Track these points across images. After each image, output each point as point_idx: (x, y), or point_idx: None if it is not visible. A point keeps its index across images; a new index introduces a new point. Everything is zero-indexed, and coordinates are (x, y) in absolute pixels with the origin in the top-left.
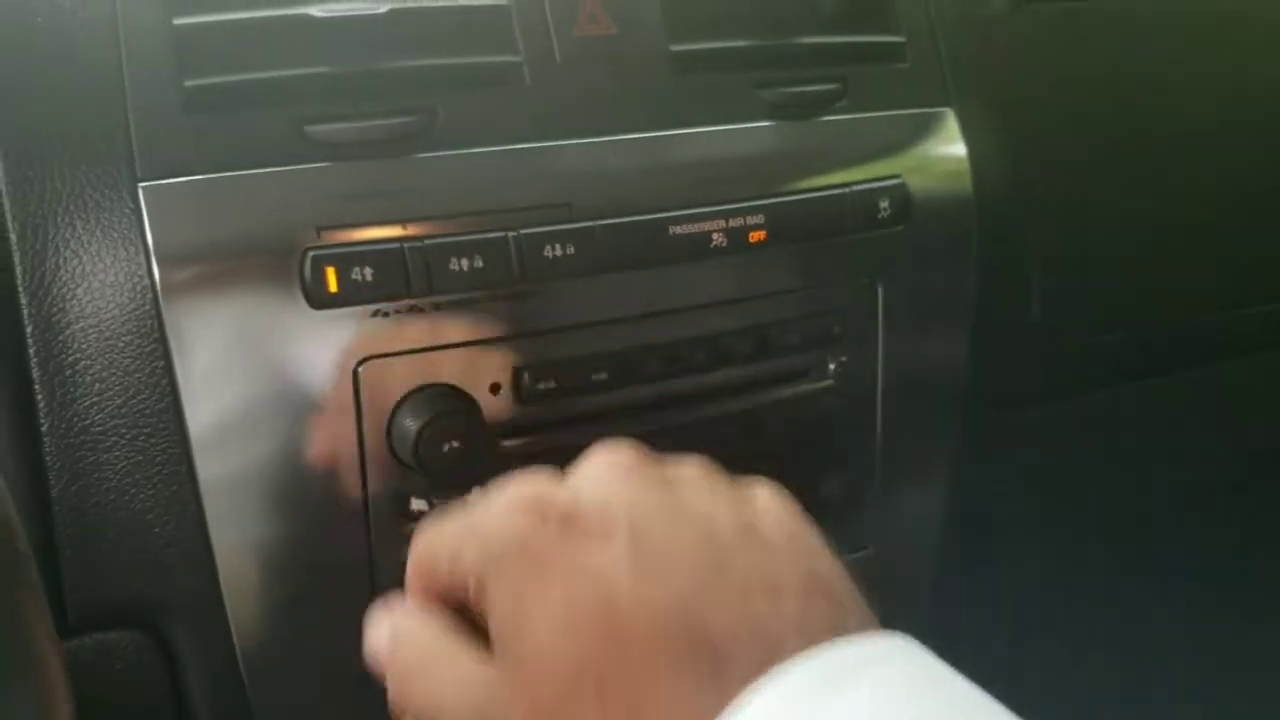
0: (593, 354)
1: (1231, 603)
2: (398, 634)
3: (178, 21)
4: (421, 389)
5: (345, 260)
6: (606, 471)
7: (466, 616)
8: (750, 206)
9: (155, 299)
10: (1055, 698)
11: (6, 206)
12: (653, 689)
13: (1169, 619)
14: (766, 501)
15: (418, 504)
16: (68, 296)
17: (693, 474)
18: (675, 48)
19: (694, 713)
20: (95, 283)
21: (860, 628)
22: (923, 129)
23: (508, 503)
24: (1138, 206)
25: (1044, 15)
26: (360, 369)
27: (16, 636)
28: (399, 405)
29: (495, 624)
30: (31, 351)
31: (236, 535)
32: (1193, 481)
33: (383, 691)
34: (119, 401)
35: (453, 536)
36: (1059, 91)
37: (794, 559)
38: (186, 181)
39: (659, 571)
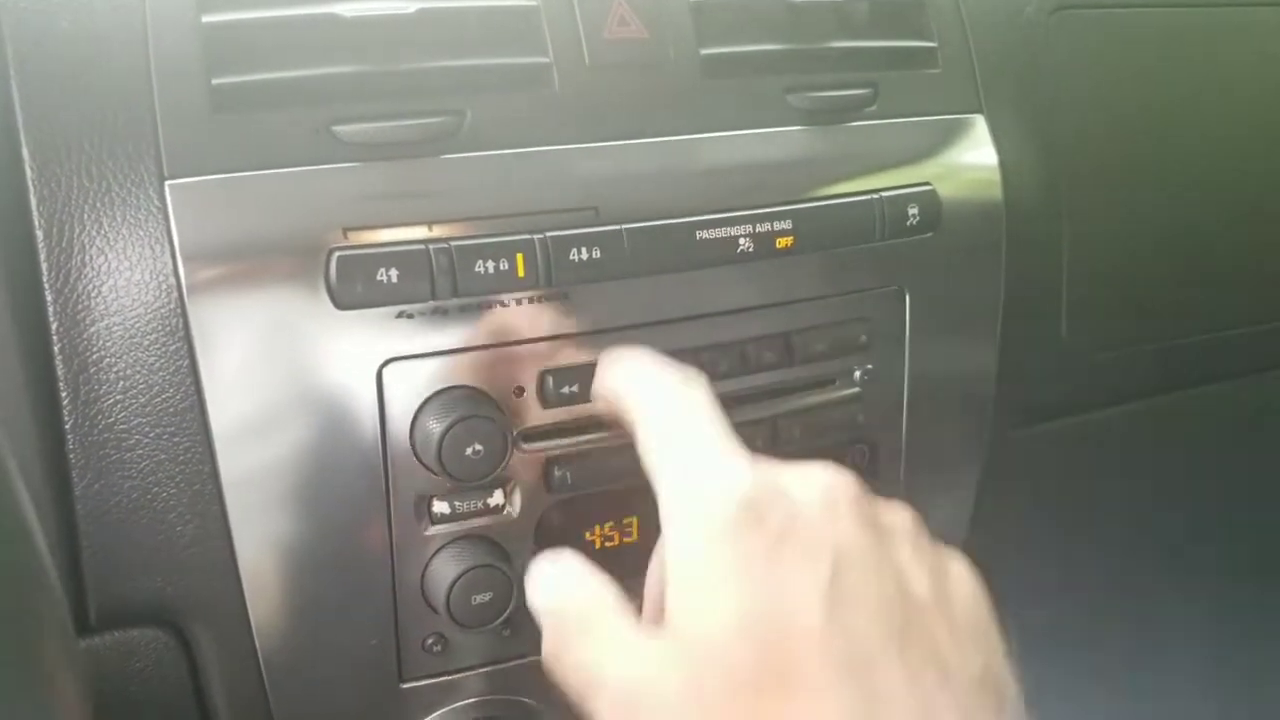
0: None
1: (1255, 617)
2: (559, 587)
3: (206, 20)
4: (445, 391)
5: (371, 261)
6: (827, 497)
7: None
8: (778, 212)
9: (180, 297)
10: (1074, 708)
11: (33, 203)
12: (808, 713)
13: (1191, 633)
14: (962, 575)
15: (440, 506)
16: (93, 294)
17: (903, 524)
18: (705, 51)
19: None
20: (121, 280)
21: None
22: (954, 136)
23: (736, 485)
24: (1169, 218)
25: (1078, 22)
26: (384, 370)
27: (29, 638)
28: (422, 407)
29: (675, 592)
30: (56, 348)
31: (258, 534)
32: (1218, 496)
33: (400, 691)
34: (143, 399)
35: (687, 432)
36: (1092, 100)
37: (975, 646)
38: (213, 180)
39: (848, 614)
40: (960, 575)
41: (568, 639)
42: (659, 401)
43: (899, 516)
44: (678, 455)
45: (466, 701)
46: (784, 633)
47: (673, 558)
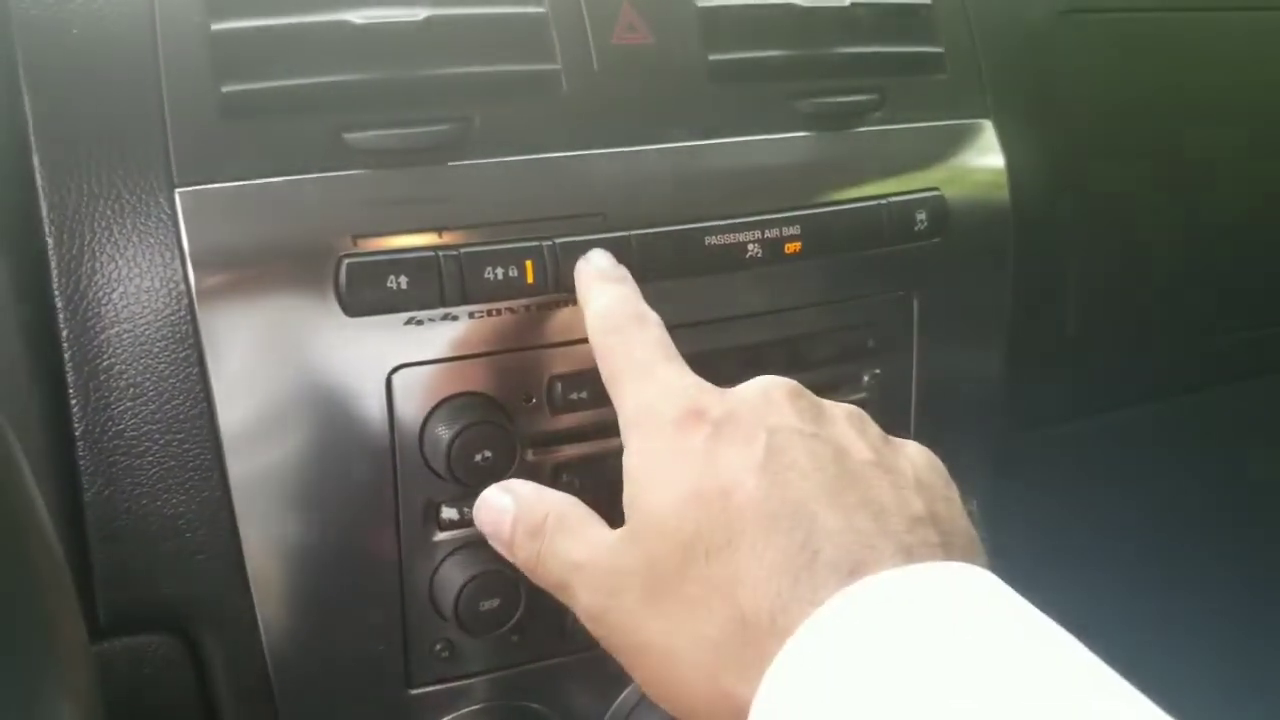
0: None
1: (1260, 620)
2: (529, 501)
3: (216, 27)
4: (454, 398)
5: (380, 268)
6: (763, 394)
7: None
8: (786, 217)
9: (190, 304)
10: None
11: (44, 210)
12: (750, 563)
13: (1198, 635)
14: (913, 451)
15: (449, 513)
16: (103, 301)
17: (846, 414)
18: (713, 57)
19: (779, 596)
20: (131, 287)
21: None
22: (961, 141)
23: (677, 394)
24: (1176, 223)
25: (1086, 27)
26: (393, 377)
27: (49, 641)
28: (431, 414)
29: (628, 486)
30: (66, 355)
31: (267, 541)
32: (1224, 499)
33: (408, 697)
34: (153, 406)
35: (632, 364)
36: (1100, 105)
37: (919, 496)
38: (223, 187)
39: (784, 477)
40: (913, 449)
41: (550, 542)
42: (620, 345)
43: (842, 407)
44: (634, 383)
45: (475, 707)
46: (724, 501)
47: (628, 463)
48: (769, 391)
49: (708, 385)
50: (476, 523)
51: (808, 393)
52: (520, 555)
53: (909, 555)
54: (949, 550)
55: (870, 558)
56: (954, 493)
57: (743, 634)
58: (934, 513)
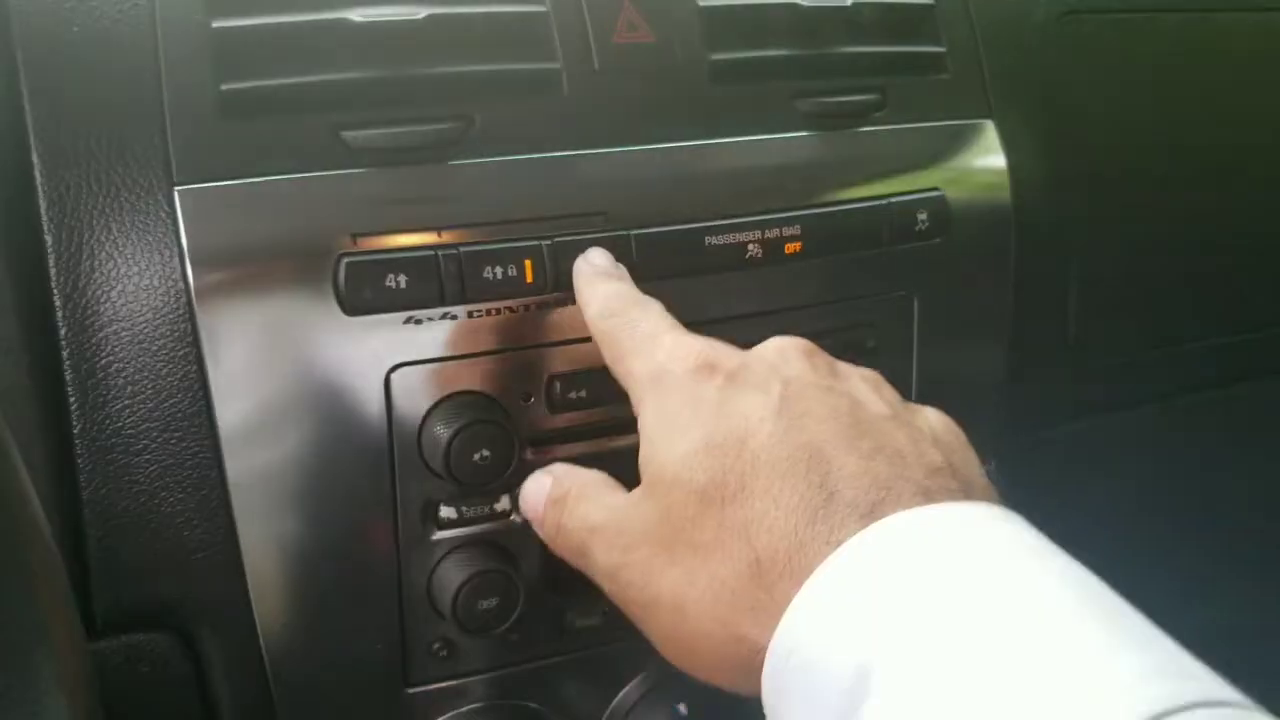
0: None
1: (1264, 622)
2: (560, 476)
3: (216, 25)
4: (452, 397)
5: (379, 267)
6: (780, 346)
7: None
8: (787, 217)
9: (189, 303)
10: None
11: (43, 208)
12: (766, 506)
13: (1203, 637)
14: (930, 413)
15: (447, 511)
16: (101, 299)
17: (864, 374)
18: (714, 56)
19: (796, 536)
20: (130, 285)
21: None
22: (963, 141)
23: (687, 352)
24: (1178, 222)
25: (1087, 27)
26: (392, 376)
27: (46, 640)
28: (430, 413)
29: (643, 447)
30: (64, 353)
31: (265, 539)
32: (1227, 500)
33: (406, 696)
34: (151, 404)
35: (636, 355)
36: (1102, 105)
37: (936, 446)
38: (222, 186)
39: (800, 423)
40: (930, 411)
41: (569, 510)
42: (623, 325)
43: (858, 369)
44: (643, 354)
45: (473, 706)
46: (739, 448)
47: (643, 423)
48: (784, 348)
49: (719, 342)
50: (522, 507)
51: (823, 352)
52: (545, 527)
53: (928, 497)
54: (969, 495)
55: (889, 498)
56: (971, 453)
57: (759, 576)
58: (952, 464)
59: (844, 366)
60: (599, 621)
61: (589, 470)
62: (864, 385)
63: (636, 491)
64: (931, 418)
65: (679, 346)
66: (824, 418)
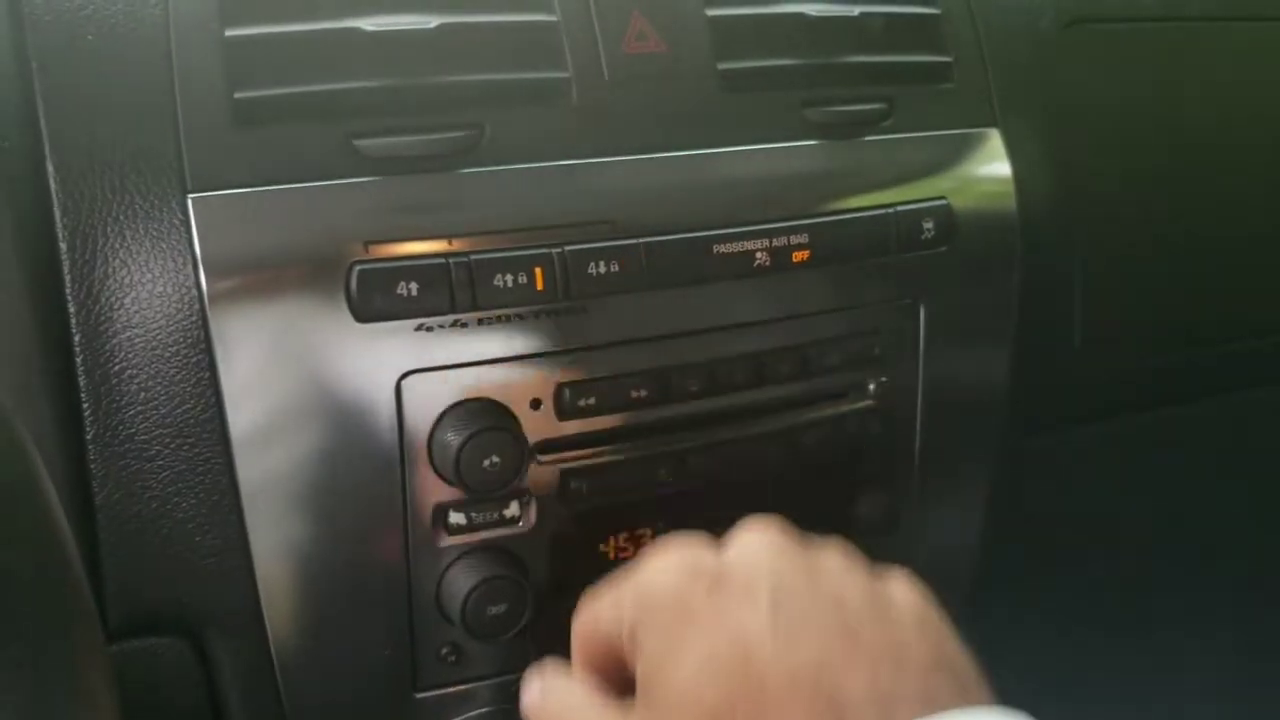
0: (633, 371)
1: (1267, 625)
2: (547, 690)
3: (229, 34)
4: (463, 403)
5: (391, 274)
6: (754, 543)
7: (616, 679)
8: (794, 226)
9: (202, 309)
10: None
11: (57, 215)
12: None
13: (1205, 642)
14: (899, 585)
15: (456, 517)
16: (115, 305)
17: (832, 556)
18: (723, 66)
19: None
20: (143, 292)
21: (980, 705)
22: (968, 149)
23: (666, 562)
24: (1182, 231)
25: (1092, 36)
26: (403, 383)
27: (66, 644)
28: (440, 419)
29: (642, 667)
30: (78, 360)
31: (276, 545)
32: (1232, 506)
33: (415, 701)
34: (164, 410)
35: (615, 592)
36: (1107, 113)
37: (921, 636)
38: (235, 194)
39: (795, 635)
40: (899, 586)
41: None
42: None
43: (828, 550)
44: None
45: (481, 711)
46: (745, 665)
47: (640, 642)
48: (756, 540)
49: (696, 542)
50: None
51: (792, 535)
52: None
53: (931, 703)
54: (966, 694)
55: (897, 714)
56: (949, 632)
57: None
58: (945, 656)
59: (814, 553)
60: None
61: (581, 688)
62: (838, 572)
63: (639, 715)
64: (906, 598)
65: (654, 561)
66: (817, 629)
